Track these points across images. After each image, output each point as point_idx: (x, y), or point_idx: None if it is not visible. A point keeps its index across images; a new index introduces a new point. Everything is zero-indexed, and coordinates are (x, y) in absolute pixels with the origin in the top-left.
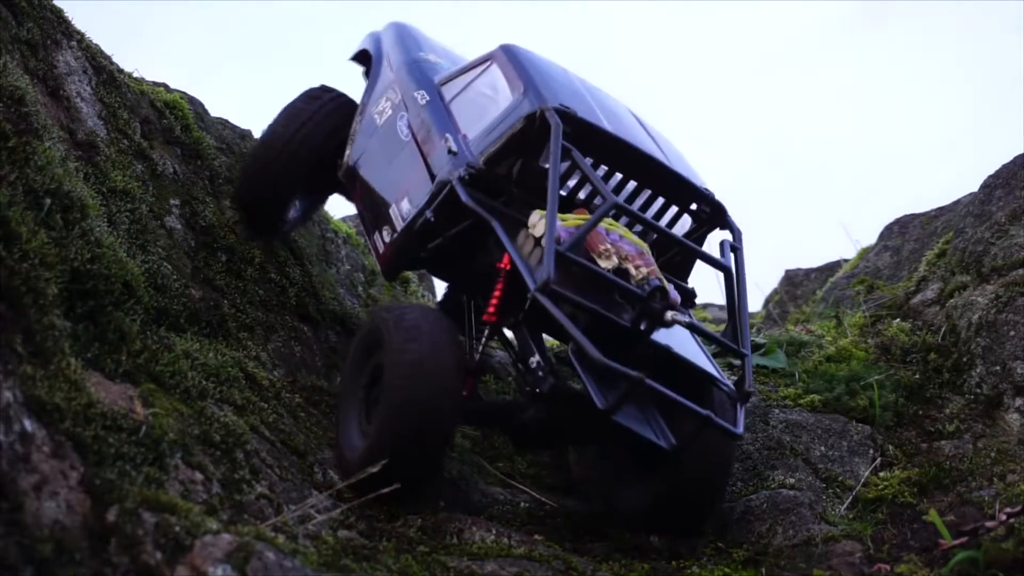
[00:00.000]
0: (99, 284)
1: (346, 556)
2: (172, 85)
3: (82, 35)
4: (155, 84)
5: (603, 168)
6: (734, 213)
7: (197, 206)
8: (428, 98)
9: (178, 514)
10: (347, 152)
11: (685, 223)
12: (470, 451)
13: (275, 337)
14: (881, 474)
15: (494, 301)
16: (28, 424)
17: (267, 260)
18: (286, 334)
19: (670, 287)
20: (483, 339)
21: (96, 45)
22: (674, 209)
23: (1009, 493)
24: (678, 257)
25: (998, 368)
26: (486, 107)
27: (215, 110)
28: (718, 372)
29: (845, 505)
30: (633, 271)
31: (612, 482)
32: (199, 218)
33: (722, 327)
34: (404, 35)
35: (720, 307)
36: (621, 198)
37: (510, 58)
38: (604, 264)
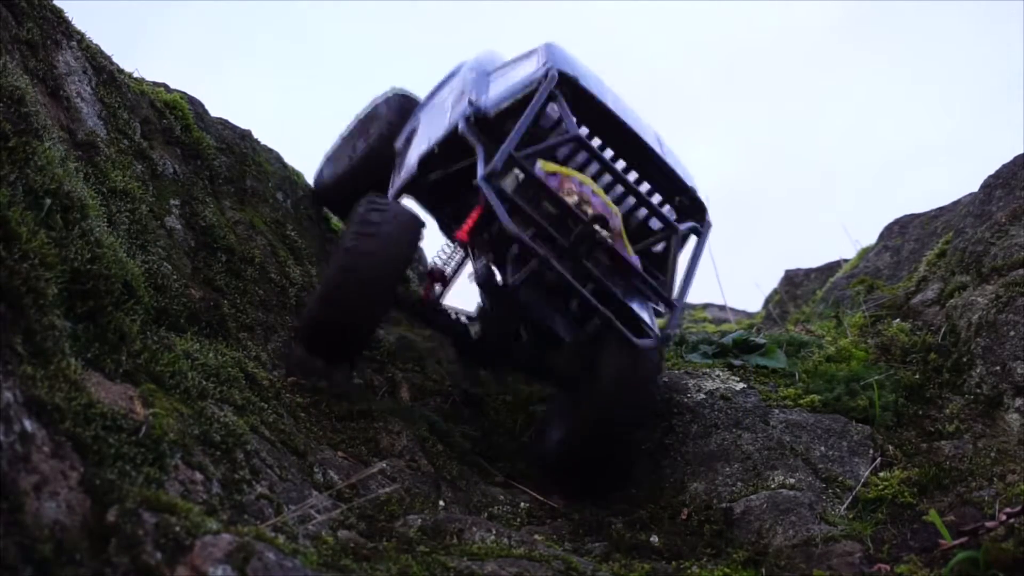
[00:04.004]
0: (99, 284)
1: (346, 556)
2: (172, 85)
3: (82, 35)
4: (155, 84)
5: (597, 141)
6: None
7: (197, 206)
8: (473, 76)
9: (178, 514)
10: (406, 126)
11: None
12: (470, 451)
13: (275, 337)
14: (881, 474)
15: (469, 222)
16: (28, 424)
17: (267, 260)
18: (286, 334)
19: (635, 258)
20: (455, 254)
21: (96, 45)
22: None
23: (1009, 493)
24: (656, 241)
25: (998, 368)
26: (514, 79)
27: (215, 110)
28: (649, 318)
29: (845, 505)
30: (591, 212)
31: (543, 429)
32: (199, 218)
33: (723, 326)
34: (487, 54)
35: (719, 307)
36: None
37: (548, 48)
38: (566, 199)
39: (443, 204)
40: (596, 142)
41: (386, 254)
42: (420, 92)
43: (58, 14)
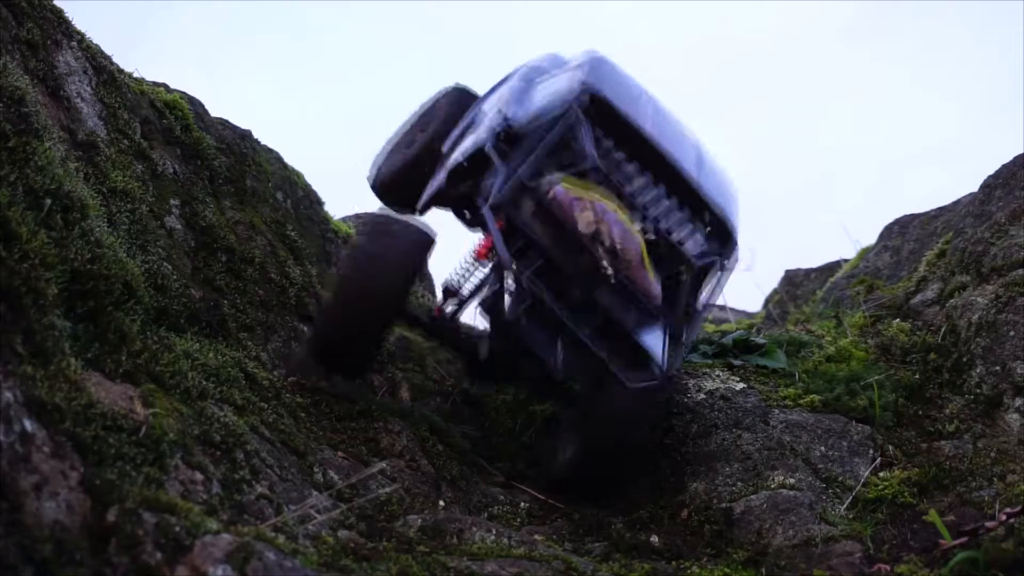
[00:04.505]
0: (99, 284)
1: (346, 556)
2: (172, 85)
3: (82, 35)
4: (155, 84)
5: (636, 164)
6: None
7: (197, 206)
8: (517, 84)
9: (178, 514)
10: (456, 128)
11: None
12: (470, 451)
13: (275, 337)
14: (881, 474)
15: (488, 241)
16: (28, 424)
17: (267, 260)
18: (286, 334)
19: (656, 284)
20: (471, 272)
21: (96, 45)
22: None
23: (1009, 493)
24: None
25: (998, 368)
26: (552, 91)
27: (215, 110)
28: (659, 351)
29: (845, 505)
30: (607, 241)
31: (551, 451)
32: (199, 218)
33: (723, 326)
34: (548, 56)
35: (719, 307)
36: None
37: (592, 60)
38: (581, 226)
39: (473, 215)
40: (632, 166)
41: (380, 284)
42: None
43: (58, 14)
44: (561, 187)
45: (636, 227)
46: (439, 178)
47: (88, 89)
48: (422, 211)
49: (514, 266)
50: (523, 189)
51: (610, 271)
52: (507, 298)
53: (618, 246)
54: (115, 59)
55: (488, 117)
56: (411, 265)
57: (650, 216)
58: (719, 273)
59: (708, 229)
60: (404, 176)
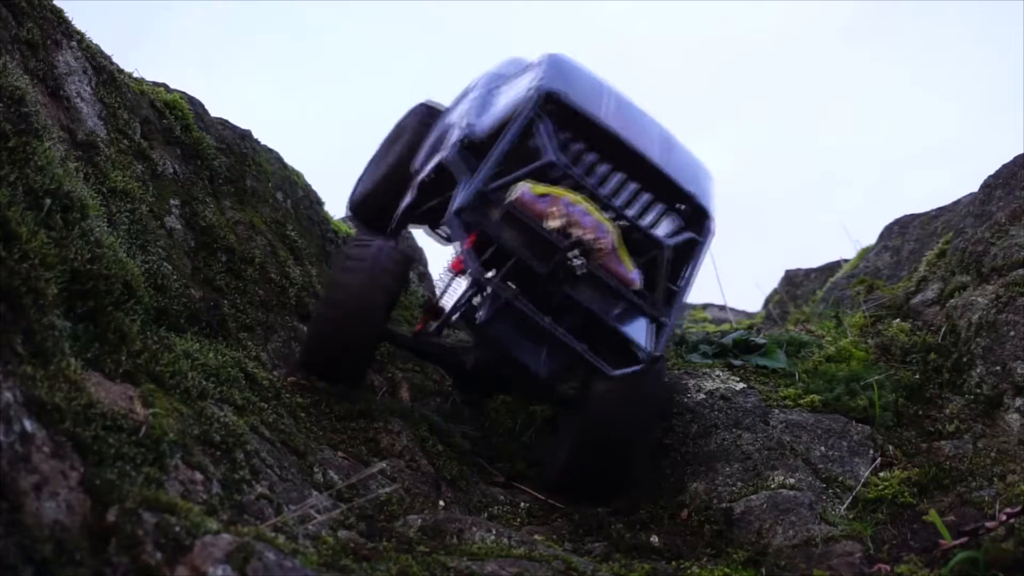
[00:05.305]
0: (99, 284)
1: (346, 556)
2: (172, 85)
3: (82, 35)
4: (155, 84)
5: (595, 155)
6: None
7: (197, 206)
8: (479, 93)
9: (178, 514)
10: (424, 144)
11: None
12: (470, 451)
13: (275, 337)
14: (881, 474)
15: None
16: (28, 424)
17: (267, 260)
18: (286, 334)
19: (635, 272)
20: (449, 285)
21: (96, 45)
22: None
23: (1009, 493)
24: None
25: (998, 368)
26: (510, 96)
27: (215, 110)
28: (643, 339)
29: (845, 505)
30: (576, 234)
31: (551, 452)
32: (199, 218)
33: (723, 326)
34: (508, 61)
35: (719, 307)
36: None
37: (549, 61)
38: (549, 224)
39: (439, 225)
40: (593, 156)
41: (359, 305)
42: (424, 93)
43: (58, 14)
44: (526, 188)
45: (606, 216)
46: (410, 194)
47: (88, 89)
48: (396, 229)
49: (482, 275)
50: (487, 195)
51: (578, 263)
52: (485, 307)
53: (589, 237)
54: (115, 59)
55: (453, 131)
56: (387, 287)
57: (617, 204)
58: (696, 251)
59: (682, 209)
60: (375, 197)
